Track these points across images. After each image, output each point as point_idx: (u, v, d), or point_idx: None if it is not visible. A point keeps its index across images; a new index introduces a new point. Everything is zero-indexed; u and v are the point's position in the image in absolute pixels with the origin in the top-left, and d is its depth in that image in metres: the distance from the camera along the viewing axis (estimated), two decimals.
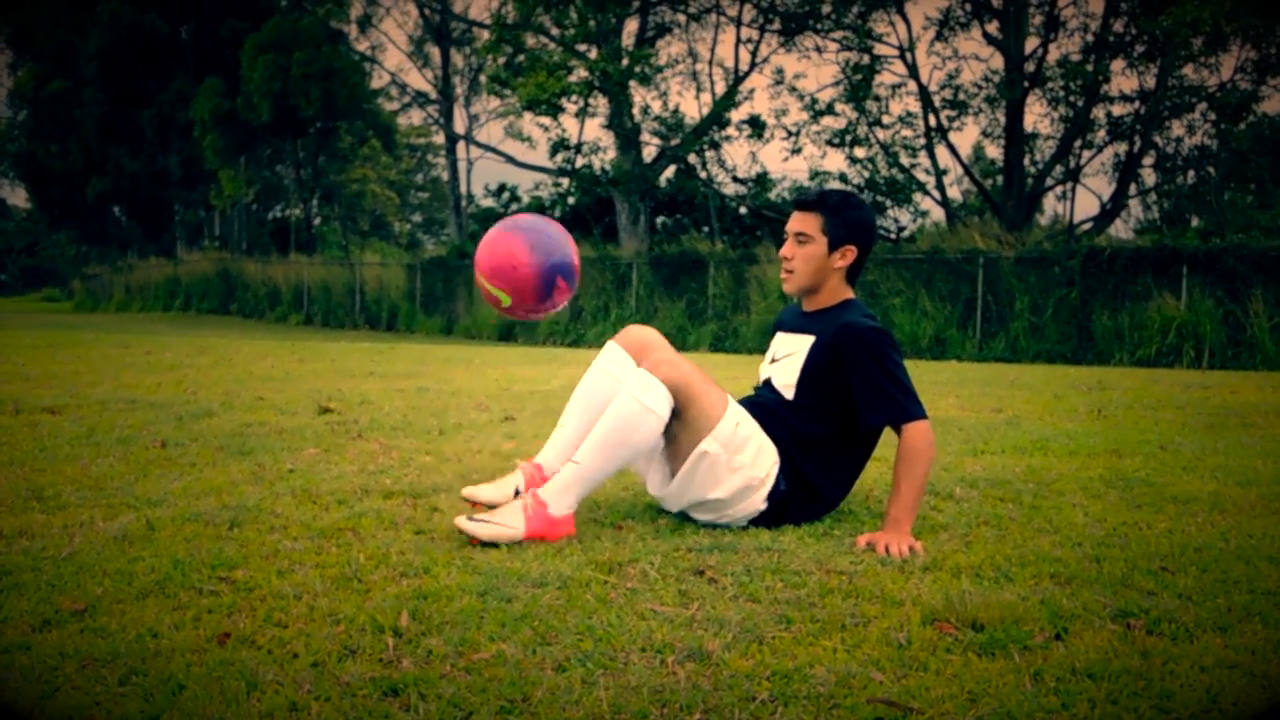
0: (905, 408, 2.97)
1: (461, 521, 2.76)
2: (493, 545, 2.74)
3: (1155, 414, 6.14)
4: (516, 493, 3.08)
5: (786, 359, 3.15)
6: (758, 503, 3.00)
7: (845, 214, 3.10)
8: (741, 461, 2.95)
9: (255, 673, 1.82)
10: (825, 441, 3.07)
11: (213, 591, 2.30)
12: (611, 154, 27.27)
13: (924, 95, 24.02)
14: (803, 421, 3.06)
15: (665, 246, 22.07)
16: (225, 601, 2.23)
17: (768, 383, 3.21)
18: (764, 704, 1.75)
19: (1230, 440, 4.95)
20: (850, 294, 3.19)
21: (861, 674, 1.87)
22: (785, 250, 3.15)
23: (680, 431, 2.97)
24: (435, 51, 35.16)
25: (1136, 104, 22.98)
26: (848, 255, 3.11)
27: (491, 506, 3.04)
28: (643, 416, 2.86)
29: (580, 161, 28.02)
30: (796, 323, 3.22)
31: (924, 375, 9.76)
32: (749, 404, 3.18)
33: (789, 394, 3.10)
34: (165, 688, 1.77)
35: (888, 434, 3.16)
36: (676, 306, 19.71)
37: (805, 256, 3.11)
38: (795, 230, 3.12)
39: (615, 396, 2.96)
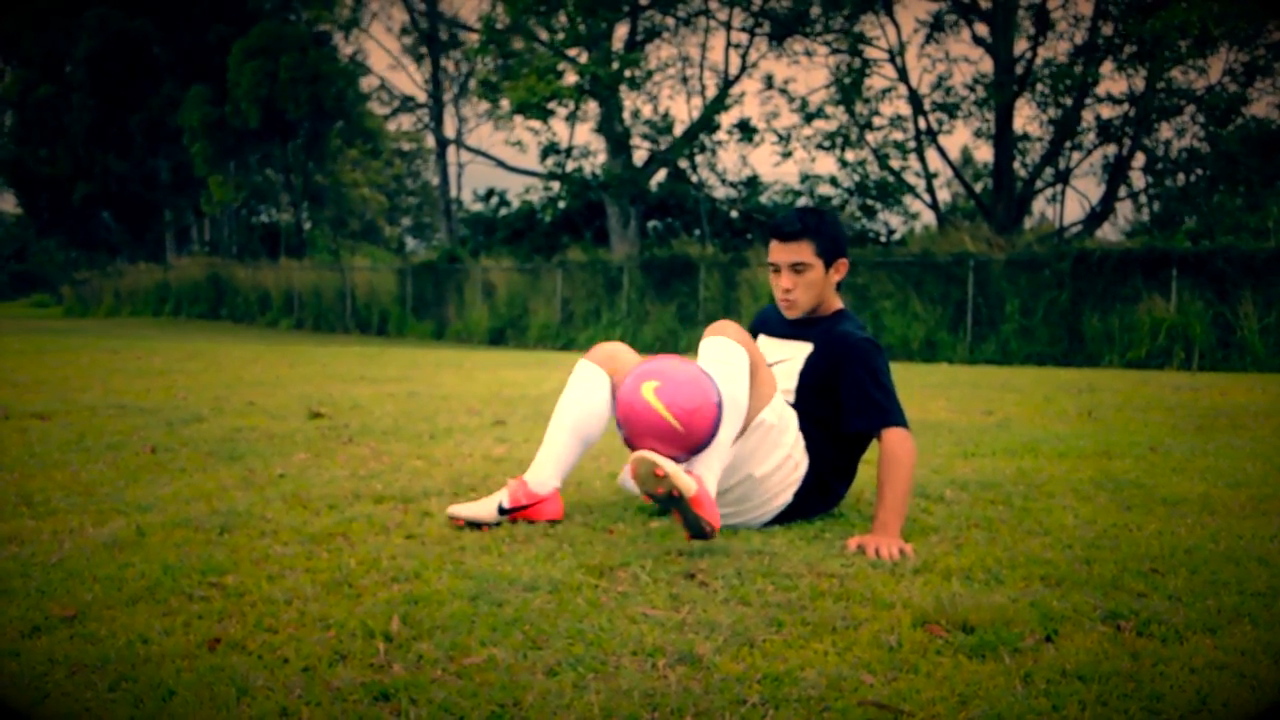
0: (888, 414, 3.04)
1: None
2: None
3: (1145, 416, 6.15)
4: (500, 509, 3.02)
5: (784, 364, 3.20)
6: (786, 498, 3.06)
7: (829, 231, 3.17)
8: (786, 440, 3.03)
9: (245, 678, 1.82)
10: (824, 445, 3.13)
11: (203, 597, 2.29)
12: (602, 158, 27.29)
13: (914, 98, 24.06)
14: (804, 425, 3.13)
15: (656, 250, 22.08)
16: (215, 607, 2.22)
17: None
18: (755, 707, 1.75)
19: (1220, 442, 4.97)
20: (841, 303, 3.29)
21: (852, 676, 1.87)
22: (785, 283, 3.16)
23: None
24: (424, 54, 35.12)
25: (1126, 106, 23.04)
26: (841, 268, 3.22)
27: (474, 524, 3.00)
28: (731, 364, 2.88)
29: (571, 165, 28.04)
30: (785, 329, 3.26)
31: (914, 378, 9.78)
32: None
33: (789, 398, 3.17)
34: (155, 694, 1.76)
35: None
36: (668, 310, 19.71)
37: (807, 284, 3.17)
38: (790, 261, 3.15)
39: (599, 404, 3.08)
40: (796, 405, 3.15)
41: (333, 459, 4.20)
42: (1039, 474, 4.01)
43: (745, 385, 2.88)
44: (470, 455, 4.37)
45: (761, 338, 3.33)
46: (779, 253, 3.17)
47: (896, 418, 3.04)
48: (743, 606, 2.29)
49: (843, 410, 3.08)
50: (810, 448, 3.11)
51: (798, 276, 3.16)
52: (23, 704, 1.73)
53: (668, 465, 2.63)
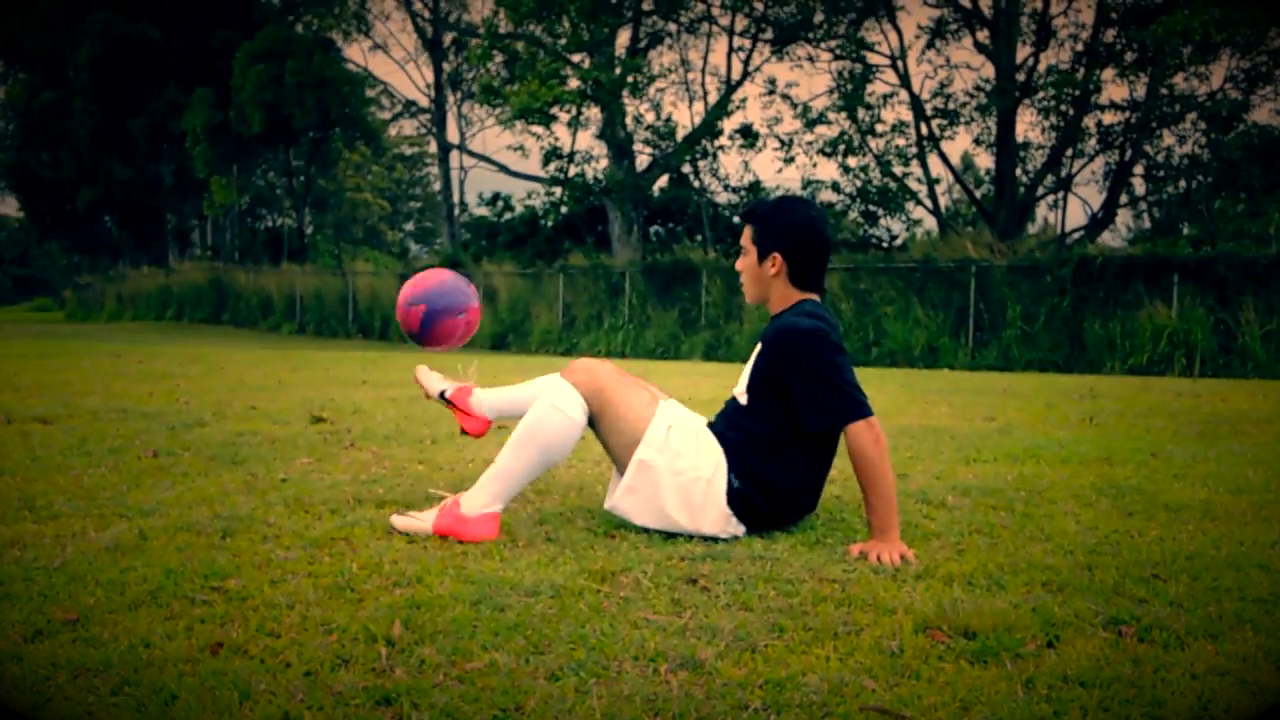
0: (842, 409, 2.91)
1: (394, 518, 3.02)
2: (406, 535, 2.96)
3: (1147, 422, 6.15)
4: (441, 394, 3.44)
5: (746, 365, 3.17)
6: (720, 508, 2.97)
7: (770, 223, 3.11)
8: (681, 466, 2.96)
9: (248, 682, 1.82)
10: (778, 442, 3.02)
11: (205, 601, 2.30)
12: (604, 163, 27.31)
13: (916, 104, 24.09)
14: (755, 424, 3.04)
15: (658, 255, 22.11)
16: (218, 611, 2.23)
17: (733, 392, 3.24)
18: (757, 712, 1.76)
19: (1221, 448, 4.97)
20: (801, 297, 3.13)
21: (854, 682, 1.87)
22: (738, 264, 3.22)
23: (609, 437, 3.03)
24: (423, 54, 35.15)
25: (1127, 113, 23.07)
26: (775, 263, 3.09)
27: (425, 392, 3.51)
28: (551, 415, 2.94)
29: (573, 171, 28.06)
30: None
31: (916, 384, 9.79)
32: (717, 415, 3.21)
33: (743, 399, 3.11)
34: (158, 698, 1.76)
35: None
36: (669, 315, 19.72)
37: (742, 268, 3.18)
38: (741, 243, 3.20)
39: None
40: (750, 403, 3.06)
41: (335, 464, 4.20)
42: (1040, 480, 4.01)
43: (556, 426, 2.95)
44: (472, 460, 4.38)
45: (757, 347, 3.31)
46: (741, 235, 3.23)
47: (852, 410, 2.90)
48: (745, 612, 2.29)
49: (796, 409, 2.97)
50: (763, 450, 3.01)
51: (740, 260, 3.19)
52: (25, 707, 1.73)
53: (397, 523, 2.99)
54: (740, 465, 3.01)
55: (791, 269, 3.10)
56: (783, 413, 3.02)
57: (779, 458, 3.03)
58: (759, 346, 3.11)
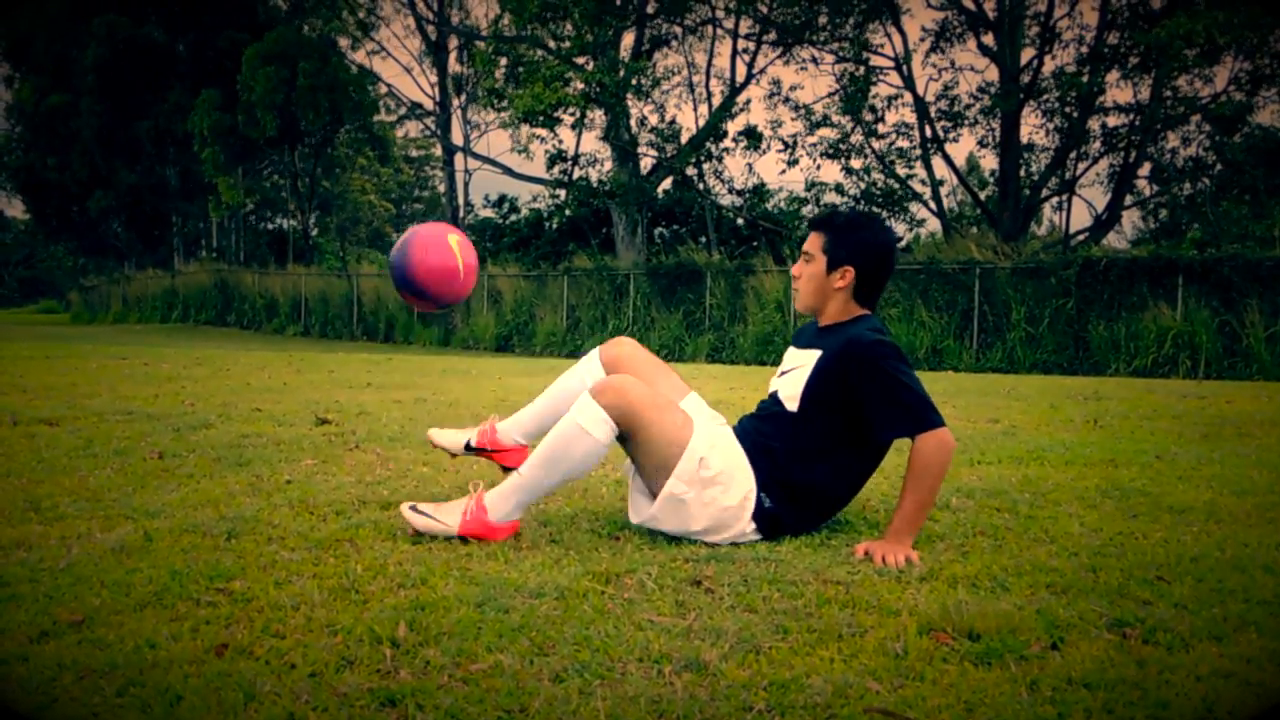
0: (923, 417, 2.92)
1: (404, 509, 2.95)
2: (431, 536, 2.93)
3: (1151, 424, 6.14)
4: (467, 445, 3.34)
5: (794, 371, 3.13)
6: (744, 527, 2.98)
7: (848, 235, 3.11)
8: (712, 495, 2.94)
9: (253, 684, 1.82)
10: (825, 452, 3.04)
11: (210, 603, 2.30)
12: (608, 165, 27.32)
13: (920, 106, 24.09)
14: (803, 433, 3.04)
15: (662, 257, 22.13)
16: (223, 613, 2.23)
17: (774, 395, 3.19)
18: (761, 714, 1.76)
19: (1226, 450, 4.96)
20: (861, 312, 3.17)
21: (858, 684, 1.87)
22: (795, 268, 3.20)
23: (640, 458, 2.99)
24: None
25: (1131, 115, 23.07)
26: (846, 276, 3.10)
27: (450, 452, 3.39)
28: (578, 437, 2.90)
29: (577, 173, 28.08)
30: (809, 339, 3.21)
31: None
32: (749, 417, 3.19)
33: (792, 405, 3.07)
34: (163, 699, 1.77)
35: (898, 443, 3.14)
36: (674, 317, 19.73)
37: (808, 275, 3.15)
38: (805, 249, 3.18)
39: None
40: (801, 411, 3.06)
41: (339, 465, 4.21)
42: (1045, 482, 4.00)
43: (583, 449, 2.90)
44: (477, 462, 4.37)
45: (789, 349, 3.30)
46: (807, 240, 3.21)
47: (933, 417, 2.92)
48: (749, 613, 2.29)
49: (871, 420, 2.97)
50: (806, 459, 3.02)
51: (804, 266, 3.16)
52: (31, 708, 1.74)
53: (414, 520, 2.94)
54: (780, 480, 3.00)
55: (858, 284, 3.12)
56: (837, 422, 3.03)
57: (826, 468, 3.04)
58: (812, 355, 3.10)
